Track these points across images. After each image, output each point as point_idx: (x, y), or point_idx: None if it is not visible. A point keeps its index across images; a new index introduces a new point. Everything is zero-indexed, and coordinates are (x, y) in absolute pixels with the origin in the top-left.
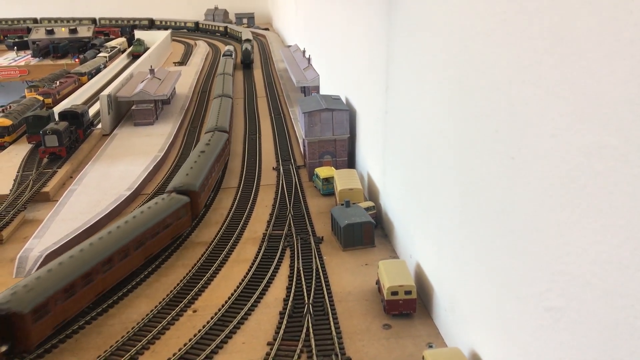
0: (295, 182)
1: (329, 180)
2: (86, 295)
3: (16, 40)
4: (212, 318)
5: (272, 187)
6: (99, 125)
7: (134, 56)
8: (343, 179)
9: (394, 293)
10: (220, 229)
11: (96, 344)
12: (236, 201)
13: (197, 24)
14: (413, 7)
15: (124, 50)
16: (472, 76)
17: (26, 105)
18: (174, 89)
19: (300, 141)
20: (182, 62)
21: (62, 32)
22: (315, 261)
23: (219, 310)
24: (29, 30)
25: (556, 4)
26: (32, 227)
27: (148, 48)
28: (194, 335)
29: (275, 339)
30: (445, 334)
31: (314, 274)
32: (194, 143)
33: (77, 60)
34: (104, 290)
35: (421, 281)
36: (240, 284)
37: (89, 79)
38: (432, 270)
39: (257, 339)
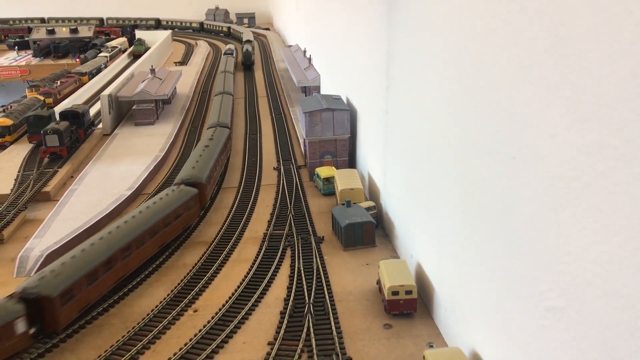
0: (296, 182)
1: (329, 180)
2: (107, 280)
3: (17, 40)
4: (212, 318)
5: (273, 187)
6: (100, 125)
7: (135, 56)
8: (344, 179)
9: (395, 293)
10: (221, 228)
11: (97, 344)
12: (237, 201)
13: (201, 24)
14: (413, 7)
15: (125, 50)
16: (472, 76)
17: (27, 105)
18: (175, 88)
19: (301, 141)
20: (183, 62)
21: (63, 32)
22: (316, 261)
23: (220, 309)
24: (29, 30)
25: (556, 4)
26: (33, 227)
27: (149, 48)
28: (195, 335)
29: (275, 339)
30: (445, 334)
31: (314, 274)
32: (194, 143)
33: (77, 60)
34: (122, 276)
35: (422, 281)
36: (241, 283)
37: (89, 79)
38: (433, 270)
39: (257, 339)
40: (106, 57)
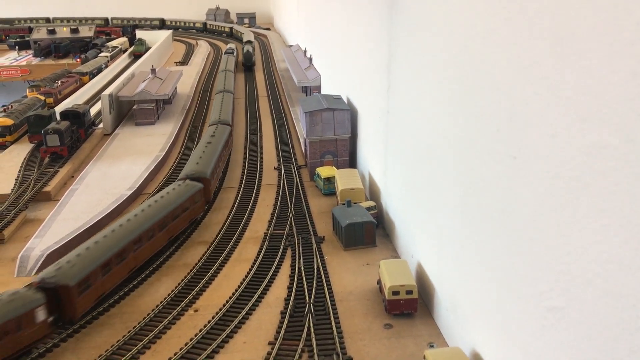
0: (297, 182)
1: (330, 180)
2: (120, 271)
3: (18, 40)
4: (213, 317)
5: (274, 187)
6: (101, 125)
7: (136, 56)
8: (344, 179)
9: (395, 293)
10: (222, 228)
11: (97, 343)
12: (237, 201)
13: (205, 24)
14: (414, 7)
15: (126, 50)
16: (473, 76)
17: (28, 105)
18: (175, 88)
19: (302, 141)
20: (184, 62)
21: (63, 32)
22: (317, 261)
23: (220, 309)
24: (30, 30)
25: (557, 4)
26: (34, 227)
27: (149, 48)
28: (195, 335)
29: (276, 339)
30: (446, 334)
31: (315, 274)
32: (195, 143)
33: (78, 60)
34: (134, 267)
35: (422, 281)
36: (242, 283)
37: (90, 79)
38: (434, 270)
39: (258, 339)
40: (107, 57)
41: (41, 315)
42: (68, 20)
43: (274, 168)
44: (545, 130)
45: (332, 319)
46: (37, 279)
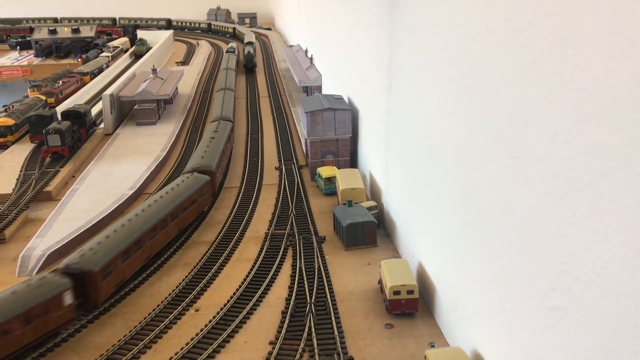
0: (298, 182)
1: (331, 180)
2: (138, 259)
3: (19, 40)
4: (214, 317)
5: (275, 187)
6: (102, 125)
7: (137, 56)
8: (345, 179)
9: (396, 292)
10: (223, 228)
11: (98, 343)
12: (238, 201)
13: (209, 25)
14: (415, 7)
15: (127, 50)
16: (473, 76)
17: (29, 105)
18: (177, 88)
19: (303, 141)
20: (185, 62)
21: (64, 32)
22: (318, 260)
23: (221, 309)
24: (31, 30)
25: (558, 4)
26: (35, 227)
27: (150, 48)
28: (196, 335)
29: (277, 338)
30: (447, 334)
31: (316, 274)
32: (196, 143)
33: (79, 59)
34: (149, 256)
35: (423, 281)
36: (243, 283)
37: (91, 79)
38: (434, 270)
39: (259, 338)
40: (108, 57)
41: (68, 299)
42: (76, 20)
43: (275, 168)
44: (546, 130)
45: (333, 318)
46: (62, 265)
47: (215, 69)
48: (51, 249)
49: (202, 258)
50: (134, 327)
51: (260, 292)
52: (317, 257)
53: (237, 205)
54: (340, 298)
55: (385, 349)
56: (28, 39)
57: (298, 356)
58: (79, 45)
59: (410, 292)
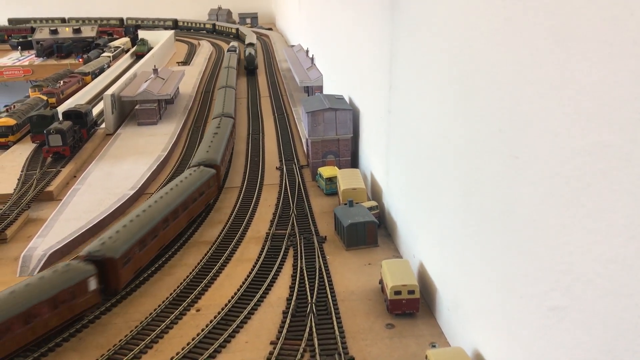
0: (299, 182)
1: (332, 180)
2: (153, 247)
3: (20, 40)
4: (215, 317)
5: (276, 187)
6: (103, 125)
7: (138, 56)
8: (346, 179)
9: (397, 292)
10: (224, 228)
11: (100, 343)
12: (239, 201)
13: (214, 25)
14: (416, 7)
15: (128, 50)
16: (475, 76)
17: (30, 105)
18: (178, 88)
19: (304, 141)
20: (186, 62)
21: (65, 32)
22: (319, 260)
23: (222, 309)
24: (32, 30)
25: (559, 4)
26: (36, 226)
27: (151, 48)
28: (197, 334)
29: (278, 338)
30: (448, 334)
31: (317, 274)
32: (197, 143)
33: (80, 60)
34: (163, 245)
35: (424, 281)
36: (244, 283)
37: (92, 79)
38: (435, 270)
39: (260, 338)
40: (109, 57)
41: (92, 284)
42: (84, 20)
43: (276, 168)
44: (547, 130)
45: (334, 318)
46: (84, 252)
47: (216, 69)
48: (52, 248)
49: (203, 258)
50: (135, 327)
51: (261, 292)
52: (318, 257)
53: (238, 205)
54: (341, 298)
55: (386, 349)
56: (29, 39)
57: (299, 356)
58: (80, 45)
59: (411, 292)
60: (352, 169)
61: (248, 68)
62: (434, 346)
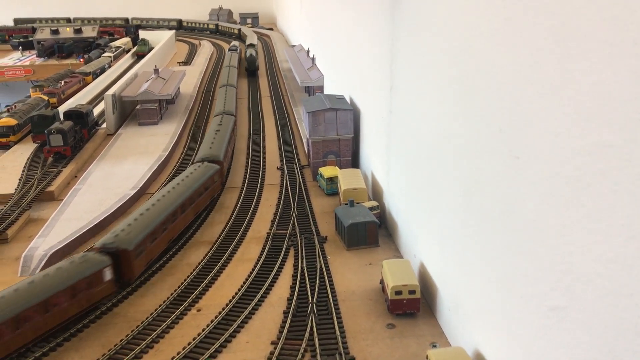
0: (299, 182)
1: (333, 180)
2: (163, 240)
3: (21, 40)
4: (216, 317)
5: (276, 187)
6: (104, 125)
7: (139, 56)
8: (347, 179)
9: (398, 292)
10: (225, 228)
11: (101, 343)
12: (240, 201)
13: (217, 25)
14: (417, 7)
15: (129, 50)
16: (475, 76)
17: (31, 105)
18: (178, 88)
19: (304, 141)
20: (187, 62)
21: (66, 32)
22: (319, 260)
23: (223, 309)
24: (33, 30)
25: (559, 4)
26: (37, 226)
27: (152, 48)
28: (198, 334)
29: (279, 338)
30: (449, 334)
31: (317, 274)
32: (198, 143)
33: (81, 60)
34: (172, 238)
35: (425, 281)
36: (244, 283)
37: (93, 79)
38: (436, 270)
39: (261, 338)
40: (110, 57)
41: (108, 275)
42: (89, 20)
43: (277, 168)
44: (548, 130)
45: (335, 318)
46: (98, 244)
47: (217, 69)
48: (53, 248)
49: (204, 258)
50: (136, 327)
51: (262, 292)
52: (319, 257)
53: (239, 205)
54: (341, 298)
55: (387, 349)
56: (30, 39)
57: (300, 356)
58: (81, 45)
59: (411, 292)
60: (353, 169)
61: (249, 69)
62: (434, 346)
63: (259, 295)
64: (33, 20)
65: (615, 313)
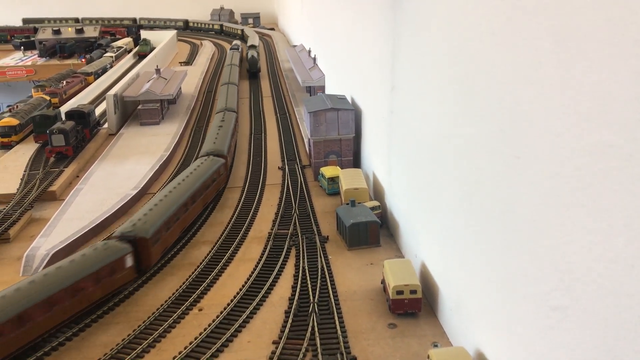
0: (301, 182)
1: (334, 180)
2: (176, 229)
3: (23, 40)
4: (217, 317)
5: (278, 187)
6: (106, 125)
7: (140, 56)
8: (348, 179)
9: (399, 292)
10: (226, 228)
11: (102, 342)
12: (242, 200)
13: (222, 26)
14: (418, 7)
15: (130, 50)
16: (476, 76)
17: (33, 105)
18: (180, 88)
19: (306, 141)
20: (188, 62)
21: (68, 32)
22: (321, 260)
23: (225, 309)
24: (35, 30)
25: (560, 4)
26: (39, 226)
27: (154, 48)
28: (200, 334)
29: (280, 338)
30: (450, 333)
31: (319, 273)
32: (199, 143)
33: (83, 60)
34: (184, 228)
35: (426, 280)
36: (246, 282)
37: (95, 79)
38: (438, 270)
39: (262, 338)
40: (112, 57)
41: (129, 261)
42: (97, 20)
43: (278, 168)
44: (549, 130)
45: (336, 318)
46: (117, 233)
47: (218, 69)
48: (55, 248)
49: (205, 258)
50: (138, 327)
51: (263, 291)
52: (320, 257)
53: (240, 205)
54: (343, 298)
55: (389, 348)
56: (32, 39)
57: (301, 356)
58: (83, 45)
59: (413, 292)
60: (354, 169)
61: (250, 71)
62: (436, 346)
63: (260, 295)
64: (42, 20)
65: (617, 313)
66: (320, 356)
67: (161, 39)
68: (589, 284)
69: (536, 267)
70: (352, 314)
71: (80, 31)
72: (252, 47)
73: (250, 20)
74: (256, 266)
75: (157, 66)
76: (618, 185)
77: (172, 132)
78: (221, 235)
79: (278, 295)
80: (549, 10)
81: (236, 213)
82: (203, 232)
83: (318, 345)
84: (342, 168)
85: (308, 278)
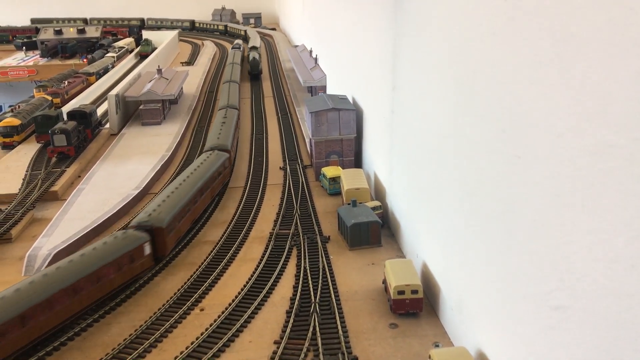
0: (302, 182)
1: (335, 180)
2: (188, 220)
3: (25, 40)
4: (219, 317)
5: (279, 187)
6: (107, 125)
7: (142, 56)
8: (350, 179)
9: (401, 292)
10: (227, 228)
11: (104, 342)
12: (243, 200)
13: (226, 27)
14: (418, 7)
15: (132, 51)
16: (477, 76)
17: (35, 105)
18: (182, 88)
19: (307, 141)
20: (190, 62)
21: (70, 33)
22: (322, 260)
23: (226, 308)
24: (37, 30)
25: (561, 4)
26: (41, 226)
27: (156, 48)
28: (201, 334)
29: (282, 338)
30: (451, 333)
31: (320, 273)
32: (201, 143)
33: (85, 60)
34: (194, 218)
35: (428, 280)
36: (247, 282)
37: (97, 79)
38: (439, 270)
39: (263, 338)
40: (113, 57)
41: (147, 249)
42: (105, 20)
43: (280, 168)
44: (550, 130)
45: (338, 318)
46: (134, 223)
47: (220, 69)
48: (57, 248)
49: (207, 258)
50: (140, 326)
51: (264, 291)
52: (322, 257)
53: (241, 205)
54: (344, 298)
55: (390, 348)
56: (34, 39)
57: (302, 356)
58: (85, 45)
59: (414, 291)
60: (356, 169)
61: (252, 73)
62: (437, 346)
63: (261, 295)
64: (50, 21)
65: (618, 313)
66: (321, 356)
67: (163, 39)
68: (589, 284)
69: (537, 267)
70: (354, 314)
71: (82, 31)
72: (254, 48)
73: (252, 21)
74: (258, 266)
75: (158, 66)
76: (618, 185)
77: (173, 132)
78: (223, 235)
79: (279, 295)
80: (550, 10)
81: (238, 213)
82: (205, 232)
83: (319, 345)
84: (343, 168)
85: (309, 278)
